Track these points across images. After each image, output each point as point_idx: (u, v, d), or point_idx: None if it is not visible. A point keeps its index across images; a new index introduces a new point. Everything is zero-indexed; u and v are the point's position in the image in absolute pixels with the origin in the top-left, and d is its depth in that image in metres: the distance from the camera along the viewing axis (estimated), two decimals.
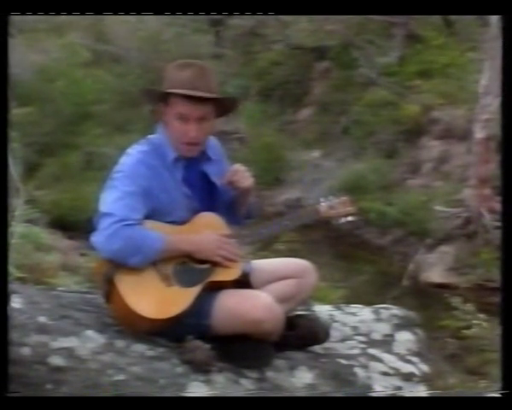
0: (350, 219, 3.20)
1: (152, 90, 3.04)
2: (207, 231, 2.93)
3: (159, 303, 2.81)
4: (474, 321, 5.29)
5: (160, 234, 2.82)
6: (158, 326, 2.85)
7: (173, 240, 2.86)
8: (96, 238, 2.78)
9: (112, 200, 2.81)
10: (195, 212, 2.97)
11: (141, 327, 2.85)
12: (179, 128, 2.90)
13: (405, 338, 3.43)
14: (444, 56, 11.42)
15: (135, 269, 2.81)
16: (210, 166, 3.05)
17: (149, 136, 3.02)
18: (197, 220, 2.96)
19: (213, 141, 3.11)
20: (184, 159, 2.97)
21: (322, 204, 3.15)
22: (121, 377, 2.72)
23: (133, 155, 2.93)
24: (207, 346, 2.84)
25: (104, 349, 2.80)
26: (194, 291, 2.85)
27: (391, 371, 3.21)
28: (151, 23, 13.40)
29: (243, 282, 2.99)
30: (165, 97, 2.91)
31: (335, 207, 3.16)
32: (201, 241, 2.89)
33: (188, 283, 2.86)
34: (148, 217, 2.87)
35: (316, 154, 11.57)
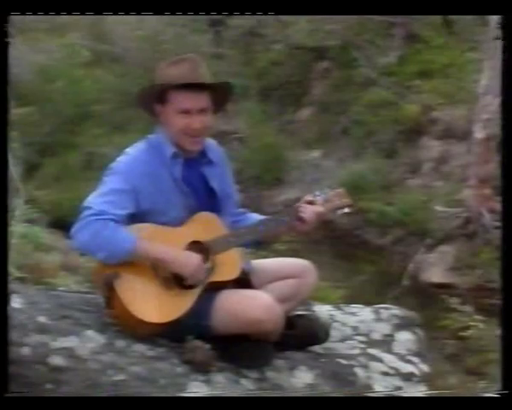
0: (347, 210, 3.18)
1: (149, 90, 2.98)
2: (204, 235, 2.91)
3: (159, 307, 2.81)
4: (474, 321, 5.28)
5: (134, 236, 2.78)
6: (159, 329, 2.85)
7: (148, 247, 2.82)
8: (72, 230, 2.79)
9: (95, 195, 2.83)
10: (193, 211, 2.96)
11: (142, 331, 2.85)
12: (182, 122, 2.90)
13: (405, 338, 3.43)
14: (444, 56, 11.40)
15: (134, 274, 2.81)
16: (210, 169, 3.05)
17: (148, 136, 3.02)
18: (195, 220, 2.95)
19: (215, 145, 3.12)
20: (183, 156, 2.97)
21: (318, 198, 3.14)
22: (121, 377, 2.73)
23: (129, 153, 2.94)
24: (207, 346, 2.85)
25: (104, 349, 2.80)
26: (194, 293, 2.85)
27: (391, 371, 3.21)
28: (151, 23, 13.38)
29: (243, 282, 2.99)
30: (162, 96, 2.91)
31: (331, 199, 3.15)
32: (182, 259, 2.85)
33: (187, 285, 2.86)
34: (142, 216, 2.86)
35: (316, 154, 11.56)
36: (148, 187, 2.87)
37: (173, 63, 2.93)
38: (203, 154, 3.04)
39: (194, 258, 2.85)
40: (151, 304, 2.80)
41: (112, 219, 2.76)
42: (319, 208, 3.09)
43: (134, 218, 2.84)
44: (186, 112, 2.89)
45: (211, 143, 3.10)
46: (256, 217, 3.18)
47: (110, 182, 2.84)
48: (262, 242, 3.18)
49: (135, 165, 2.89)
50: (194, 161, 3.01)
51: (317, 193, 3.16)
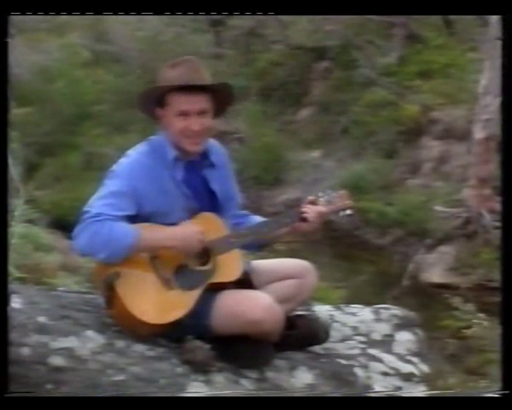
0: (348, 212, 3.19)
1: (148, 92, 2.98)
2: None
3: (160, 308, 2.81)
4: (474, 321, 5.28)
5: (134, 230, 2.78)
6: (159, 330, 2.85)
7: (150, 237, 2.82)
8: (73, 234, 2.79)
9: (95, 198, 2.83)
10: (194, 213, 2.96)
11: (142, 332, 2.85)
12: (181, 124, 2.89)
13: (405, 338, 3.43)
14: (444, 56, 11.41)
15: (135, 274, 2.81)
16: (211, 171, 3.04)
17: (150, 137, 3.02)
18: (196, 220, 2.95)
19: (218, 147, 3.11)
20: (184, 158, 2.97)
21: (321, 199, 3.14)
22: (121, 377, 2.72)
23: (131, 155, 2.94)
24: (207, 346, 2.85)
25: (104, 349, 2.80)
26: (195, 294, 2.86)
27: (391, 372, 3.21)
28: (151, 23, 13.39)
29: (244, 282, 2.99)
30: (162, 99, 2.91)
31: (333, 201, 3.16)
32: (184, 235, 2.86)
33: (189, 285, 2.86)
34: (145, 218, 2.86)
35: (316, 154, 11.56)
36: (149, 189, 2.87)
37: (171, 66, 2.93)
38: (205, 156, 3.04)
39: (194, 232, 2.86)
40: (152, 304, 2.81)
41: (110, 220, 2.76)
42: (322, 208, 3.10)
43: (137, 220, 2.84)
44: (185, 114, 2.89)
45: (214, 144, 3.09)
46: (258, 219, 3.17)
47: (110, 185, 2.84)
48: (263, 245, 3.17)
49: (136, 167, 2.88)
50: (195, 164, 3.01)
51: (320, 194, 3.16)
